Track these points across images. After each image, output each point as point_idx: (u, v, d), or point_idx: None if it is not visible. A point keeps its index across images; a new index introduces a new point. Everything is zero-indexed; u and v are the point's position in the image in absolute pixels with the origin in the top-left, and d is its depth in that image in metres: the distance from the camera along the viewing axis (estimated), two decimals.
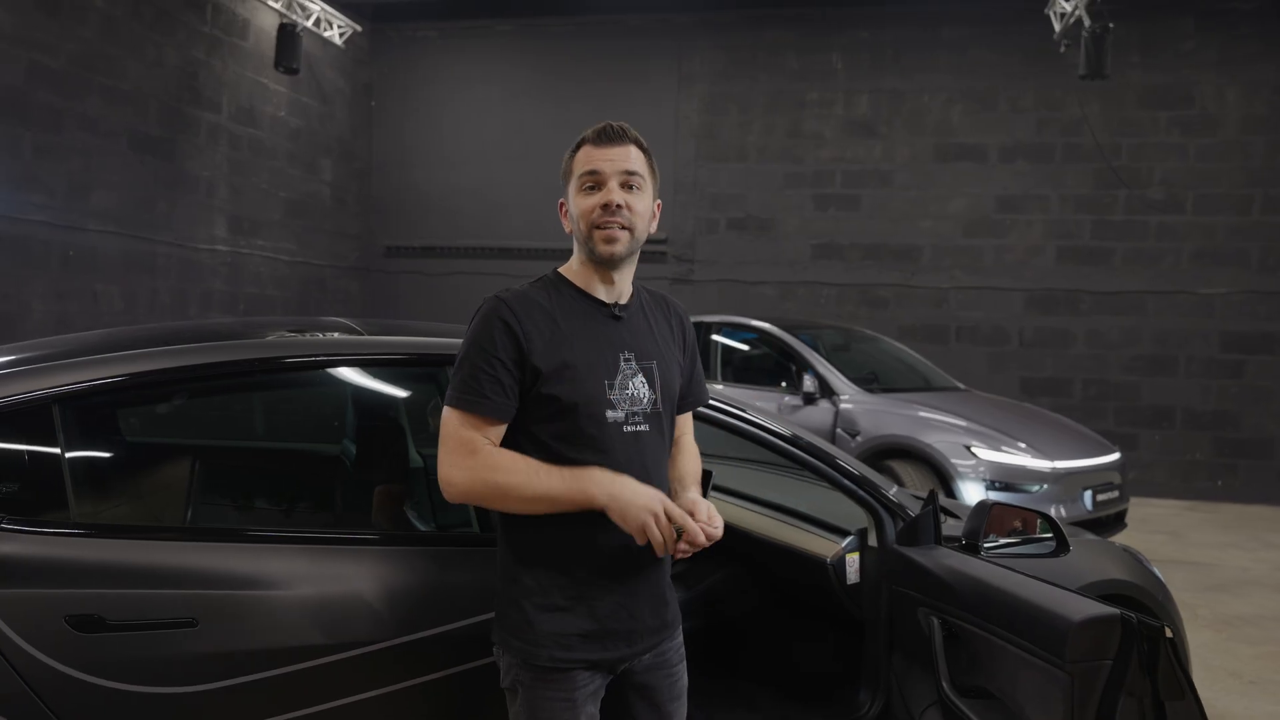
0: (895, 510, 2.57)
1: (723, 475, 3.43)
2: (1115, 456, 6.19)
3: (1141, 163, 9.44)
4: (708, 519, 1.62)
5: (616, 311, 1.73)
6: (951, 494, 5.67)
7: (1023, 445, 5.80)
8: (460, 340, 1.70)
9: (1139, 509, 7.48)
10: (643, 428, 1.70)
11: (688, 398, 1.88)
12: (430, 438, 2.44)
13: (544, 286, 1.72)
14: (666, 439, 1.77)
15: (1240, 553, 6.86)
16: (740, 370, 7.21)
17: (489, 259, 10.78)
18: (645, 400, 1.71)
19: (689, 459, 1.87)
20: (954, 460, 5.73)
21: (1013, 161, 9.72)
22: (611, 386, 1.67)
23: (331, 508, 2.28)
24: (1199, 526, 7.89)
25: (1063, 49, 8.81)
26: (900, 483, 5.75)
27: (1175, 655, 1.57)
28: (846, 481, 2.54)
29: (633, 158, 1.75)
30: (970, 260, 9.82)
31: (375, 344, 2.25)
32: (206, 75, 8.63)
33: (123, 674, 1.70)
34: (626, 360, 1.70)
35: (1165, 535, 7.36)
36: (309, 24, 9.51)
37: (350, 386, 2.30)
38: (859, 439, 6.10)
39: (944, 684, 2.06)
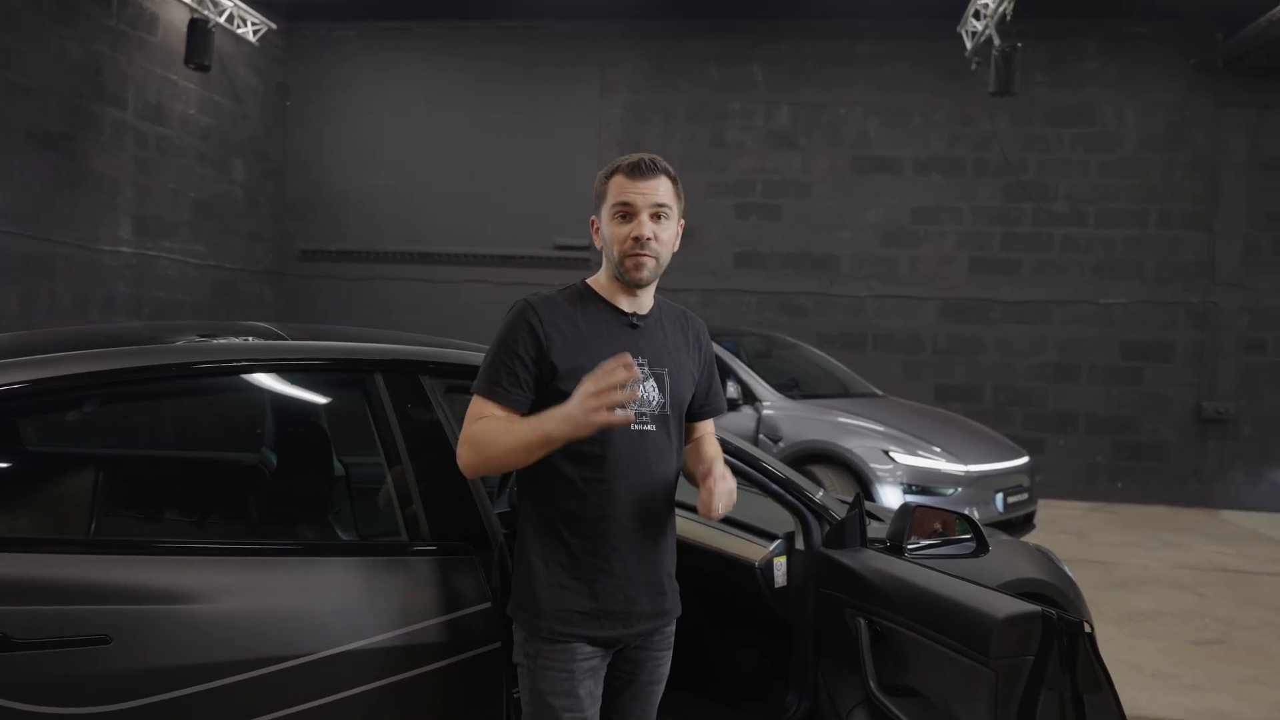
0: (822, 514, 2.61)
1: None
2: (1024, 460, 6.41)
3: (1047, 177, 9.83)
4: (722, 475, 1.79)
5: (634, 321, 1.87)
6: (870, 497, 5.79)
7: (938, 449, 5.96)
8: (385, 345, 1.86)
9: (1046, 510, 7.76)
10: (649, 427, 1.83)
11: (706, 406, 2.01)
12: (353, 445, 2.39)
13: (571, 294, 1.88)
14: (674, 442, 1.89)
15: (1140, 551, 7.17)
16: None
17: (408, 264, 10.61)
18: (654, 403, 1.84)
19: (710, 443, 2.02)
20: (873, 465, 5.85)
21: (927, 174, 10.01)
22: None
23: (251, 518, 2.20)
24: (1102, 527, 8.23)
25: (974, 67, 9.12)
26: (821, 488, 5.86)
27: (1093, 649, 1.63)
28: (773, 485, 2.57)
29: (662, 190, 1.85)
30: (887, 270, 10.07)
31: (297, 349, 2.19)
32: (111, 70, 8.30)
33: (32, 694, 1.61)
34: (640, 365, 1.82)
35: (1071, 535, 7.66)
36: (221, 20, 9.23)
37: (271, 393, 2.23)
38: (781, 444, 6.19)
39: (871, 683, 2.09)
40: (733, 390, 6.44)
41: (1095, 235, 9.76)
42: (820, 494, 2.66)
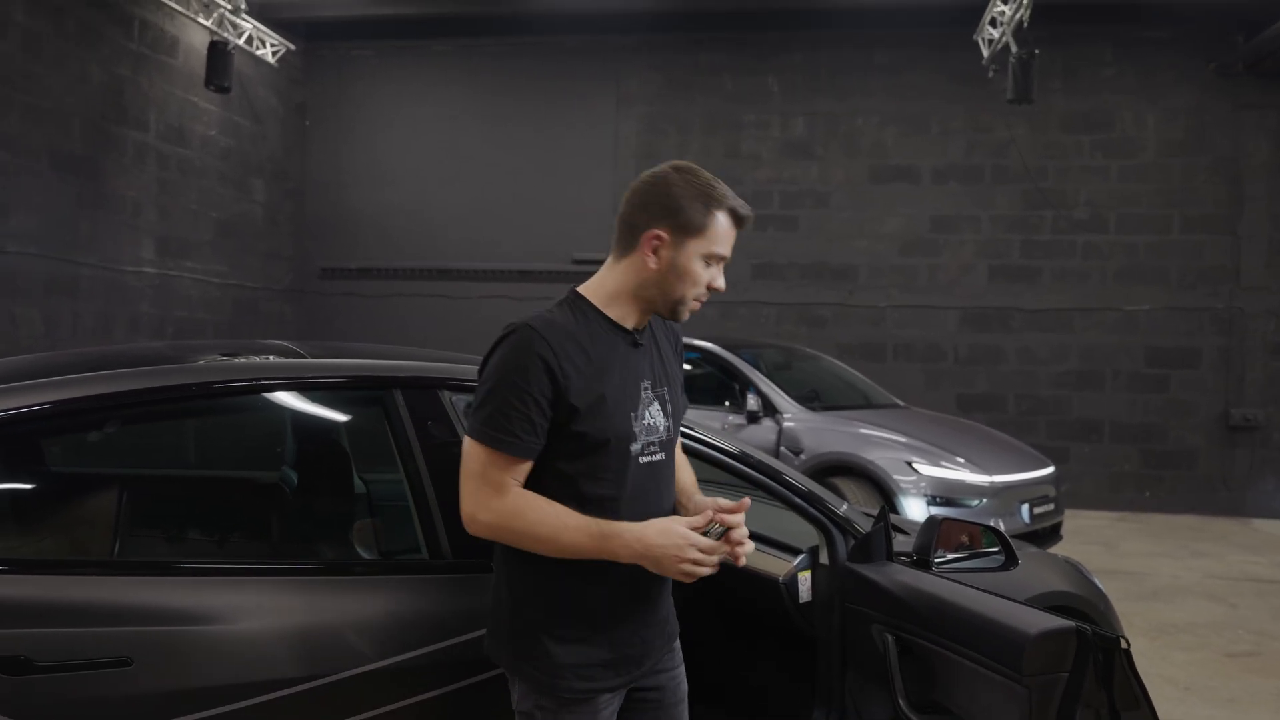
0: (846, 527, 2.57)
1: None
2: (1050, 470, 6.33)
3: (1066, 184, 9.75)
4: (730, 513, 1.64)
5: (639, 339, 1.72)
6: (894, 509, 5.73)
7: (961, 460, 5.90)
8: (404, 361, 1.67)
9: (1072, 520, 7.66)
10: (657, 456, 1.72)
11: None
12: (373, 461, 2.37)
13: (571, 313, 1.66)
14: (672, 462, 1.81)
15: (1170, 561, 7.06)
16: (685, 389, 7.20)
17: (426, 280, 10.65)
18: (661, 429, 1.72)
19: (684, 470, 1.91)
20: (896, 476, 5.80)
21: (945, 183, 9.95)
22: (635, 418, 1.68)
23: (273, 537, 2.20)
24: (1130, 536, 8.11)
25: (991, 74, 9.07)
26: (845, 500, 5.80)
27: (1130, 665, 1.59)
28: (796, 499, 2.54)
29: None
30: (905, 279, 10.01)
31: (316, 367, 2.18)
32: (133, 93, 8.40)
33: (54, 717, 1.61)
34: (645, 389, 1.70)
35: (1099, 546, 7.55)
36: (241, 42, 9.33)
37: (290, 411, 2.23)
38: (803, 456, 6.14)
39: (900, 700, 2.06)
40: (753, 403, 6.41)
41: (1117, 241, 9.67)
42: (844, 507, 2.62)
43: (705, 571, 1.55)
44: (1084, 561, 3.39)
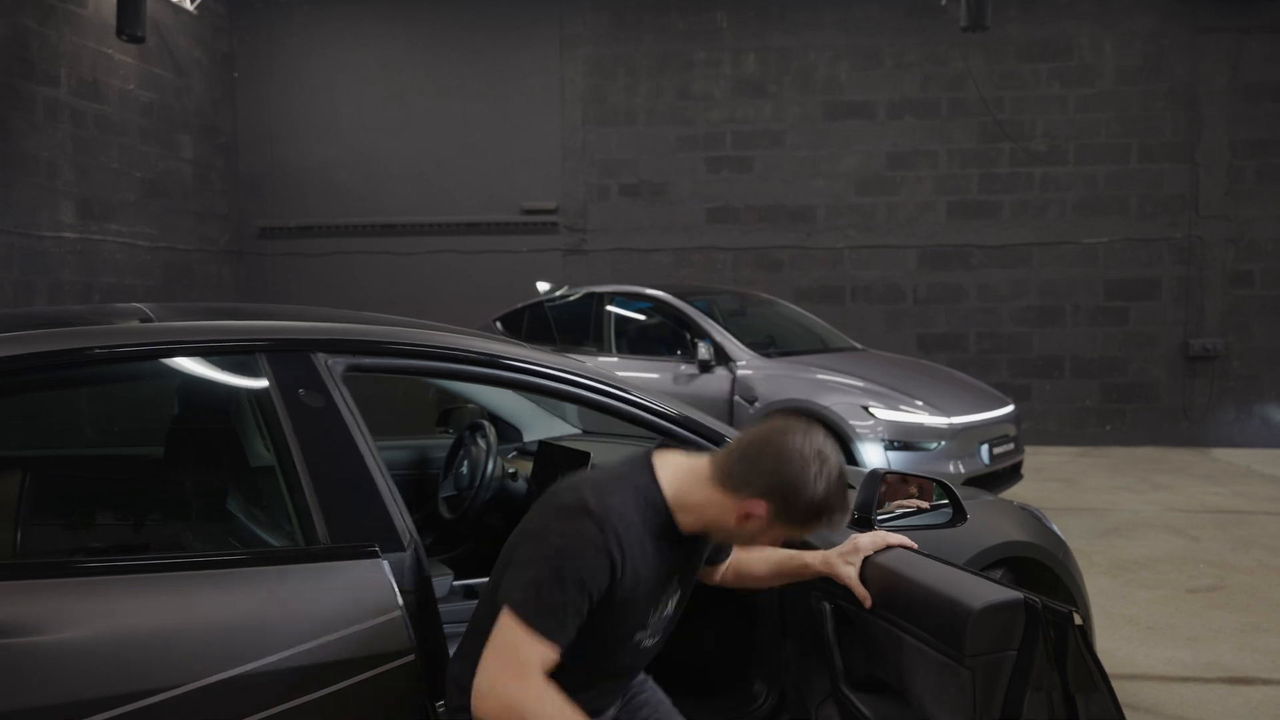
0: None
1: (606, 455, 3.17)
2: (1009, 409, 6.19)
3: (1024, 115, 9.53)
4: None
5: (687, 543, 1.67)
6: (851, 456, 5.56)
7: (920, 403, 5.73)
8: (268, 320, 1.65)
9: (1033, 458, 7.58)
10: (657, 637, 1.73)
11: (723, 549, 1.94)
12: (238, 438, 2.11)
13: (650, 515, 1.58)
14: (670, 630, 1.78)
15: (1131, 495, 6.99)
16: (636, 341, 6.97)
17: (373, 237, 10.27)
18: (670, 612, 1.74)
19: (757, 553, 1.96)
20: (852, 421, 5.62)
21: (901, 118, 9.69)
22: (654, 612, 1.68)
23: (107, 531, 1.93)
24: (1091, 472, 8.05)
25: (944, 2, 8.77)
26: None
27: (1085, 643, 1.39)
28: None
29: None
30: (863, 219, 9.79)
31: (161, 332, 1.89)
32: (40, 45, 7.87)
33: None
34: (674, 583, 1.71)
35: (1059, 482, 7.48)
36: None
37: (133, 384, 1.96)
38: (757, 405, 5.95)
39: (838, 677, 1.86)
40: (705, 352, 6.19)
41: (1075, 173, 9.49)
42: None
43: None
44: (1044, 499, 3.22)
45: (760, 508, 1.53)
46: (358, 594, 1.74)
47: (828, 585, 2.00)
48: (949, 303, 9.68)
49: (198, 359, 1.87)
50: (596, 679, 1.68)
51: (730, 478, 1.55)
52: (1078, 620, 1.39)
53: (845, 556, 1.91)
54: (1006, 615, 1.44)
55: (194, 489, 2.04)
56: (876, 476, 2.24)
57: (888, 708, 1.72)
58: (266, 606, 1.68)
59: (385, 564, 1.78)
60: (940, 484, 2.36)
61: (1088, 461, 8.57)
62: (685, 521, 1.60)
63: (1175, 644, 3.94)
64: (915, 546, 1.89)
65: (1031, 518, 2.89)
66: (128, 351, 1.78)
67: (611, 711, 1.84)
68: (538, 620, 1.48)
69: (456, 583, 2.88)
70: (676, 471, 1.61)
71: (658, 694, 1.93)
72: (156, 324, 1.89)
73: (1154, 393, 9.44)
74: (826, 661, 1.93)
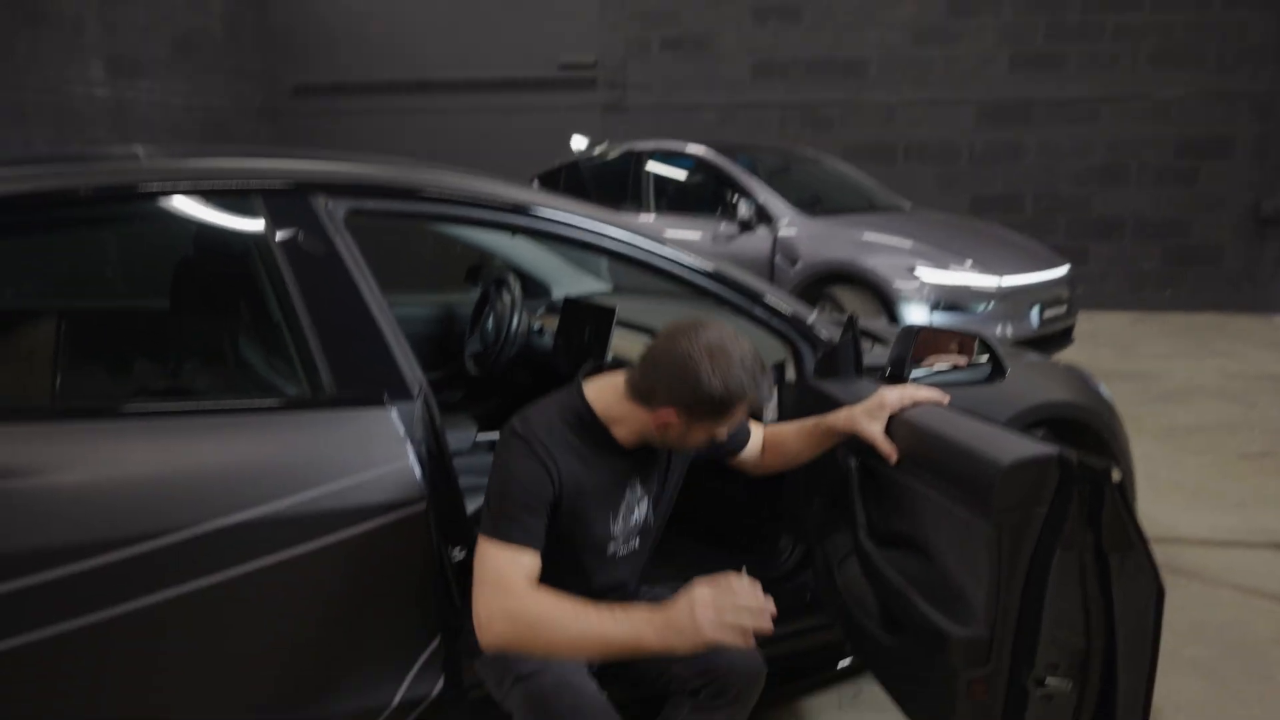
0: (816, 340, 2.26)
1: (635, 313, 3.09)
2: (1064, 270, 5.94)
3: None
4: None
5: (639, 455, 1.74)
6: (894, 319, 5.41)
7: (969, 262, 5.51)
8: (265, 161, 1.64)
9: (1087, 323, 7.34)
10: (633, 545, 1.78)
11: (736, 440, 1.94)
12: (236, 284, 2.03)
13: (576, 423, 1.68)
14: (652, 537, 1.84)
15: (1187, 361, 6.77)
16: (675, 200, 6.77)
17: (408, 94, 10.00)
18: (641, 520, 1.77)
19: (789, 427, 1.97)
20: (897, 283, 5.44)
21: None
22: (615, 520, 1.74)
23: (109, 376, 1.89)
24: (1146, 338, 7.80)
25: None
26: (842, 310, 5.47)
27: (1123, 501, 1.29)
28: (758, 310, 2.21)
29: None
30: (919, 72, 9.26)
31: (149, 172, 1.79)
32: None
33: None
34: (632, 489, 1.75)
35: (1112, 348, 7.25)
36: None
37: (125, 228, 1.88)
38: (798, 266, 5.78)
39: (860, 532, 1.79)
40: (745, 210, 5.98)
41: (1151, 21, 8.81)
42: (813, 317, 2.29)
43: (747, 622, 1.37)
44: (1095, 364, 3.08)
45: (671, 414, 1.60)
46: (364, 442, 1.70)
47: (857, 441, 1.91)
48: (1006, 161, 9.24)
49: (190, 200, 1.78)
50: (588, 593, 1.66)
51: (639, 391, 1.63)
52: (1116, 476, 1.28)
53: (870, 412, 1.83)
54: (1038, 471, 1.34)
55: (194, 338, 1.98)
56: (911, 331, 2.12)
57: (910, 565, 1.66)
58: (272, 454, 1.64)
59: (393, 412, 1.73)
60: (980, 338, 2.23)
61: (1143, 327, 8.30)
62: (620, 434, 1.69)
63: (1222, 510, 3.84)
64: (946, 401, 1.79)
65: (1077, 377, 2.76)
66: (114, 191, 1.69)
67: None
68: (502, 531, 1.54)
69: (481, 436, 2.86)
70: (602, 390, 1.70)
71: None
72: (143, 163, 1.79)
73: (1218, 256, 9.03)
74: (850, 517, 1.86)
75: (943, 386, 1.99)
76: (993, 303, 5.38)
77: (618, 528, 1.73)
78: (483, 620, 1.47)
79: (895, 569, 1.65)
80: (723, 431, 1.67)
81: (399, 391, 1.78)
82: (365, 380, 1.76)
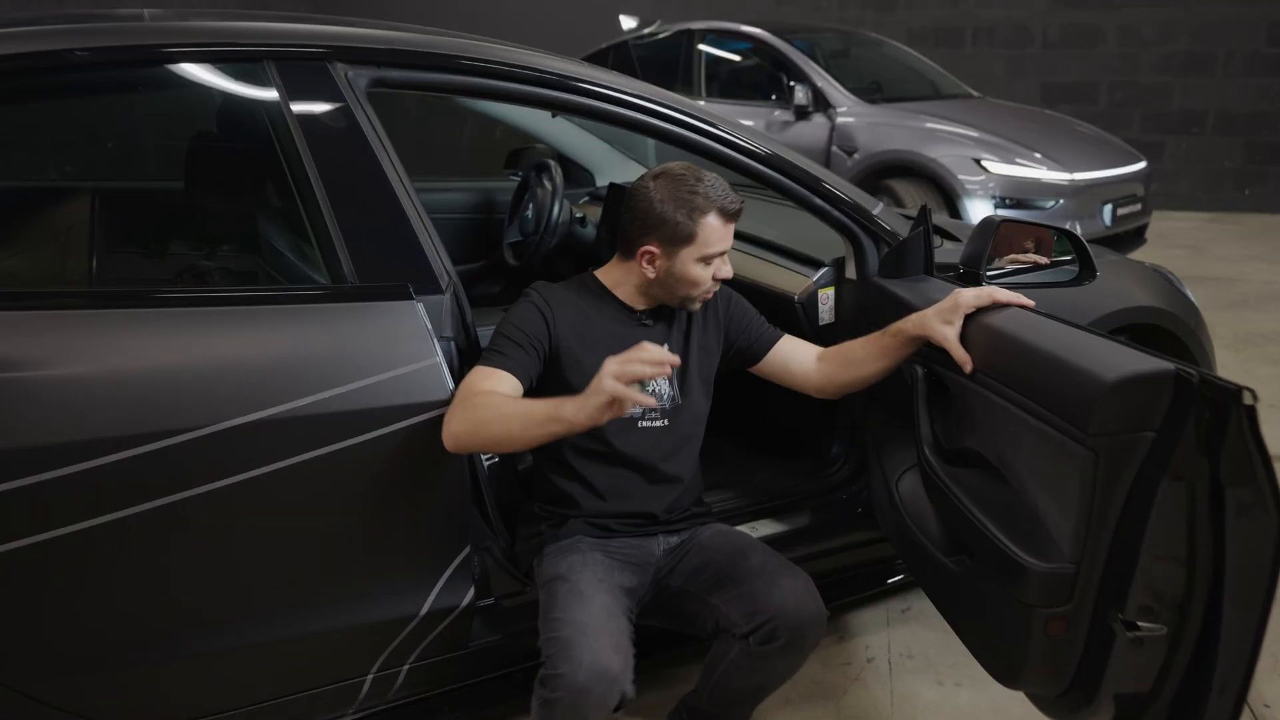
0: (880, 235, 2.07)
1: None
2: (1140, 166, 5.57)
3: None
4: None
5: (644, 320, 1.77)
6: (958, 214, 5.13)
7: (1038, 155, 5.17)
8: (279, 24, 1.59)
9: (1158, 223, 6.94)
10: (659, 423, 1.75)
11: (760, 339, 1.87)
12: (245, 164, 1.87)
13: (580, 288, 1.77)
14: (690, 429, 1.80)
15: (1265, 266, 6.39)
16: (728, 85, 6.43)
17: None
18: (664, 396, 1.75)
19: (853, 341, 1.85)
20: (961, 176, 5.13)
21: None
22: (639, 386, 1.69)
23: (111, 262, 1.77)
24: (1222, 239, 7.38)
25: None
26: (901, 205, 5.20)
27: (1251, 428, 1.12)
28: (818, 200, 2.02)
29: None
30: None
31: (144, 32, 1.61)
32: None
33: None
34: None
35: (1185, 249, 6.88)
36: None
37: (119, 99, 1.72)
38: (856, 156, 5.47)
39: (924, 447, 1.64)
40: (802, 96, 5.65)
41: None
42: (879, 209, 2.09)
43: (639, 371, 1.39)
44: (1167, 266, 2.82)
45: (648, 248, 1.68)
46: (389, 338, 1.57)
47: (925, 347, 1.74)
48: (1082, 47, 8.64)
49: (196, 67, 1.61)
50: (613, 464, 1.73)
51: (624, 247, 1.73)
52: (1248, 400, 1.11)
53: (943, 315, 1.65)
54: (1150, 389, 1.17)
55: (207, 221, 1.85)
56: (990, 225, 1.91)
57: (981, 485, 1.51)
58: (288, 350, 1.52)
59: (420, 306, 1.60)
60: (1067, 234, 2.01)
61: (1219, 228, 7.85)
62: (625, 295, 1.76)
63: None
64: (1032, 305, 1.61)
65: (1162, 280, 2.53)
66: (113, 54, 1.52)
67: (660, 546, 1.77)
68: (483, 359, 1.63)
69: None
70: (604, 268, 1.80)
71: (719, 539, 1.77)
72: (142, 23, 1.62)
73: None
74: (913, 429, 1.71)
75: (1022, 287, 1.79)
76: (1062, 200, 5.06)
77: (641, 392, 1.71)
78: (445, 424, 1.54)
79: (964, 489, 1.50)
80: (708, 251, 1.68)
81: (427, 284, 1.64)
82: (389, 271, 1.62)
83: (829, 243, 2.21)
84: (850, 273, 2.14)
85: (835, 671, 2.20)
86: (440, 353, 1.59)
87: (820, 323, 2.20)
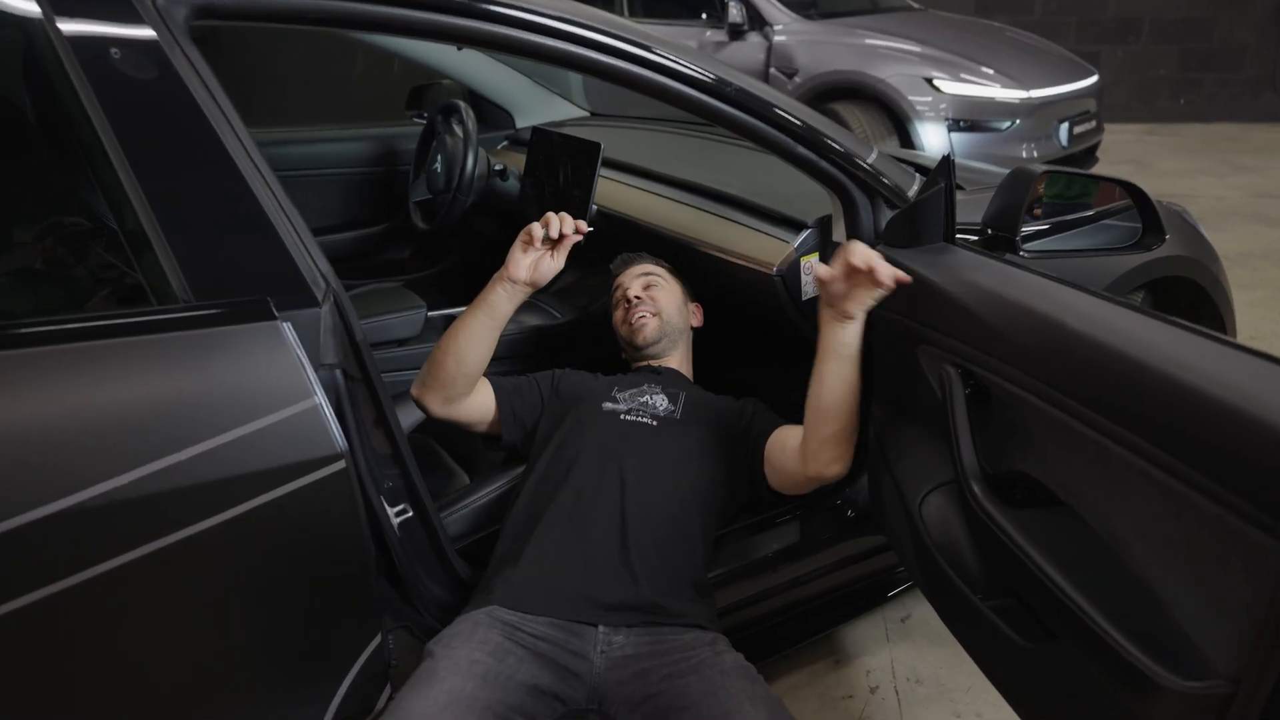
0: (876, 188, 1.66)
1: (623, 147, 2.43)
2: (1093, 80, 5.26)
3: None
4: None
5: (655, 366, 1.84)
6: (907, 139, 4.75)
7: (990, 72, 4.80)
8: None
9: None
10: (646, 421, 1.66)
11: (751, 427, 1.69)
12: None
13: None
14: (682, 448, 1.62)
15: (1212, 180, 6.20)
16: (654, 2, 5.88)
17: None
18: (662, 409, 1.69)
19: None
20: (911, 97, 4.73)
21: None
22: (619, 388, 1.74)
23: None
24: (1163, 153, 7.18)
25: None
26: (873, 147, 4.79)
27: None
28: (799, 147, 1.59)
29: (646, 267, 1.94)
30: None
31: None
32: None
33: None
34: (653, 386, 1.75)
35: (1128, 164, 6.65)
36: None
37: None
38: (797, 79, 5.03)
39: (970, 480, 1.25)
40: (735, 13, 5.16)
41: None
42: (874, 156, 1.68)
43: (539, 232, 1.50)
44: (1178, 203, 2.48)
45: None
46: (242, 377, 1.11)
47: (953, 341, 1.36)
48: None
49: None
50: (577, 454, 1.59)
51: None
52: None
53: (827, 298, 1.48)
54: None
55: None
56: (1025, 176, 1.51)
57: (1053, 534, 1.13)
58: (87, 410, 1.05)
59: (286, 327, 1.13)
60: (1128, 186, 1.63)
61: (1158, 140, 7.66)
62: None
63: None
64: (908, 280, 1.36)
65: (1179, 220, 2.17)
66: None
67: (597, 647, 1.38)
68: None
69: (432, 313, 2.26)
70: None
71: (703, 688, 1.31)
72: None
73: (1239, 61, 8.28)
74: (948, 444, 1.32)
75: (1077, 256, 1.40)
76: (1019, 120, 4.72)
77: (620, 394, 1.71)
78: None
79: (1033, 542, 1.13)
80: (616, 296, 1.91)
81: (295, 295, 1.19)
82: (238, 282, 1.16)
83: (810, 194, 1.79)
84: (839, 235, 1.73)
85: (836, 709, 1.86)
86: (319, 390, 1.14)
87: (805, 297, 1.80)
